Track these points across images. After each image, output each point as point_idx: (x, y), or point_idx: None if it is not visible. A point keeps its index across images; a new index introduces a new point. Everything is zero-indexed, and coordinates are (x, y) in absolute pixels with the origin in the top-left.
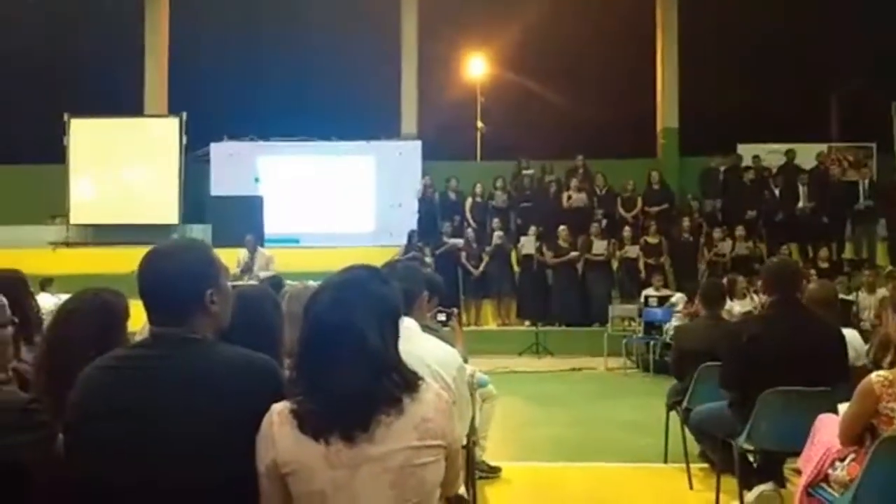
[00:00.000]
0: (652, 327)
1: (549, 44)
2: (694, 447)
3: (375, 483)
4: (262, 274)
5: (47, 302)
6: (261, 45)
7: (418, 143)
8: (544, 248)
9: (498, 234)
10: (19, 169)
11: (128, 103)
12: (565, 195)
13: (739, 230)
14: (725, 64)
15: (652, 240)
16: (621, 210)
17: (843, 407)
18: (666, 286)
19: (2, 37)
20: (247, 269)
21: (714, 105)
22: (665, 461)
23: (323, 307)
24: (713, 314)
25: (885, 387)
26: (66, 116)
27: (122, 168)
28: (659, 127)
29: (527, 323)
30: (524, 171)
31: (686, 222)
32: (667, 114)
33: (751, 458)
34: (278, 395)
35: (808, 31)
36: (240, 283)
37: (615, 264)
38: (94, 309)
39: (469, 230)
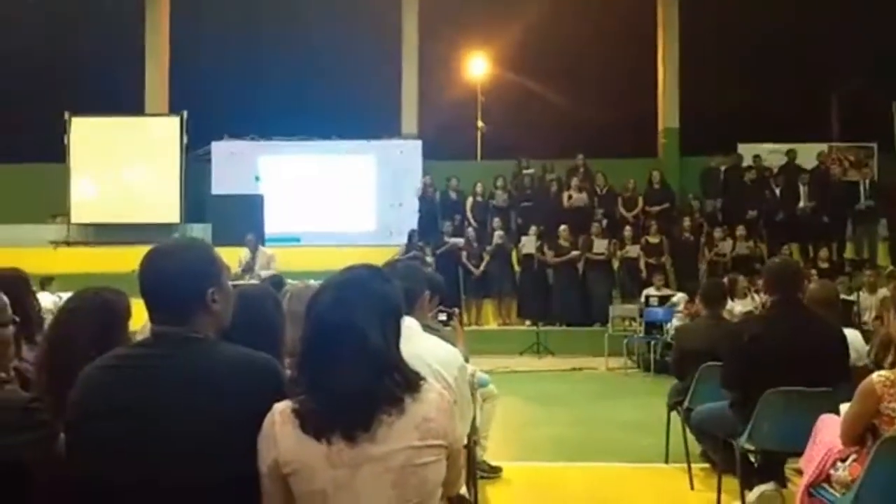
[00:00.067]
0: (653, 327)
1: (549, 43)
2: (695, 447)
3: (377, 483)
4: (264, 273)
5: (47, 301)
6: (262, 45)
7: (419, 143)
8: (545, 248)
9: (499, 233)
10: (20, 168)
11: (128, 102)
12: (566, 195)
13: (740, 230)
14: (726, 64)
15: (653, 239)
16: (622, 210)
17: (844, 407)
18: (667, 286)
19: (3, 36)
20: (248, 268)
21: (715, 105)
22: (666, 461)
23: (325, 306)
24: (714, 314)
25: (886, 387)
26: (66, 115)
27: (122, 167)
28: (660, 126)
29: (527, 322)
30: (525, 171)
31: (687, 222)
32: (668, 113)
33: (752, 459)
34: (279, 394)
35: (809, 31)
36: (241, 282)
37: (616, 264)
38: (96, 308)
39: (470, 230)
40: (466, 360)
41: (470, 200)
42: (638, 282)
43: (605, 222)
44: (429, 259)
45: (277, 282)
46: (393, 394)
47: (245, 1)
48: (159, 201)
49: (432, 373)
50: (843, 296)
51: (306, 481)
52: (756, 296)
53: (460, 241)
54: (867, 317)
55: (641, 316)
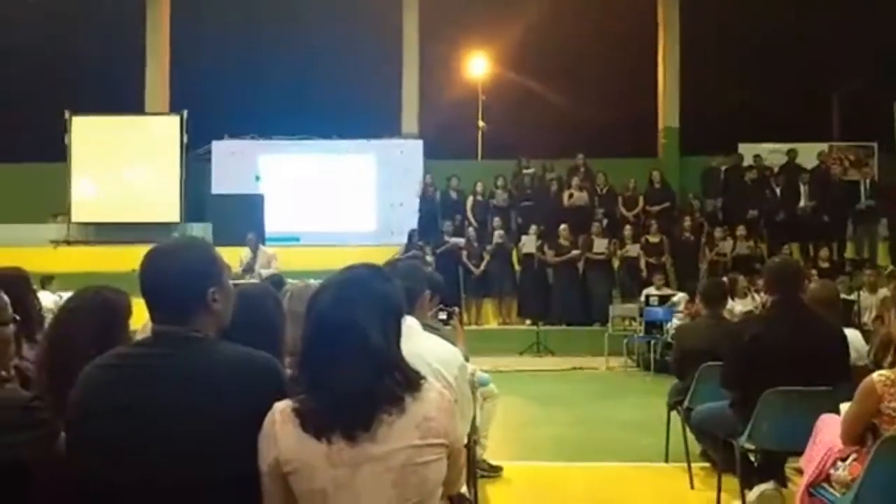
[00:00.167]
0: (653, 327)
1: (550, 43)
2: (695, 447)
3: (377, 482)
4: (264, 272)
5: (48, 300)
6: (262, 44)
7: (419, 142)
8: (545, 247)
9: (499, 232)
10: (21, 167)
11: (129, 101)
12: (566, 194)
13: (740, 230)
14: (727, 63)
15: (653, 239)
16: (622, 209)
17: (844, 407)
18: (667, 285)
19: (4, 35)
20: (248, 268)
21: (715, 104)
22: (666, 461)
23: (325, 305)
24: (714, 314)
25: (886, 386)
26: (67, 114)
27: (123, 166)
28: (660, 126)
29: (528, 322)
30: (525, 170)
31: (687, 222)
32: (668, 113)
33: (752, 458)
34: (280, 393)
35: (810, 31)
36: (241, 281)
37: (616, 263)
38: (96, 307)
39: (470, 229)
40: (466, 360)
41: (470, 200)
42: (638, 281)
43: (605, 222)
44: (429, 258)
45: (277, 281)
46: (393, 393)
47: (246, 0)
48: (159, 200)
49: (432, 372)
50: (843, 295)
51: (306, 480)
52: (756, 295)
53: (461, 240)
54: (867, 317)
55: (641, 315)
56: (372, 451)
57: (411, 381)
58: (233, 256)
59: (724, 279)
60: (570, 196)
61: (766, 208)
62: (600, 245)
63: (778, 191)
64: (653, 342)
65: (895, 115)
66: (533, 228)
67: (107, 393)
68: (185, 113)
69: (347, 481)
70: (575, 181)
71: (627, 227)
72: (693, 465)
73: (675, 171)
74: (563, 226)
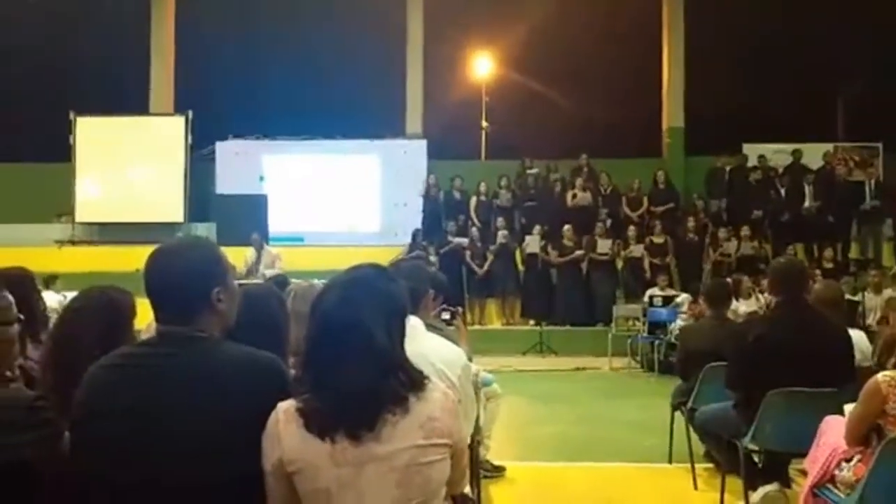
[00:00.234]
0: (656, 327)
1: (554, 43)
2: (699, 447)
3: (381, 482)
4: (268, 272)
5: (52, 300)
6: (267, 45)
7: (423, 143)
8: (549, 248)
9: (502, 233)
10: (25, 167)
11: (134, 102)
12: (570, 194)
13: (745, 230)
14: (731, 63)
15: (657, 239)
16: (626, 209)
17: (848, 408)
18: (671, 286)
19: (8, 35)
20: (251, 271)
21: (720, 105)
22: (670, 461)
23: (330, 305)
24: (719, 314)
25: (891, 387)
26: (71, 115)
27: (127, 166)
28: (664, 126)
29: (531, 322)
30: (529, 171)
31: (691, 222)
32: (672, 113)
33: (756, 459)
34: (284, 393)
35: (815, 31)
36: (245, 282)
37: (620, 264)
38: (101, 307)
39: (473, 229)
40: (470, 360)
41: (474, 200)
42: (642, 282)
43: (609, 222)
44: (432, 258)
45: (281, 281)
46: (398, 393)
47: (250, 1)
48: (164, 201)
49: (436, 372)
50: (847, 296)
51: (310, 480)
52: (760, 296)
53: (464, 240)
54: (872, 318)
55: (645, 316)
56: (376, 451)
57: (415, 381)
58: (237, 256)
59: (729, 280)
60: (574, 196)
61: (770, 209)
62: (604, 245)
63: (783, 191)
64: (656, 343)
65: None
66: (536, 229)
67: (111, 393)
68: (190, 113)
69: (351, 481)
70: (578, 181)
71: (631, 227)
72: (697, 465)
73: (679, 171)
74: (566, 226)
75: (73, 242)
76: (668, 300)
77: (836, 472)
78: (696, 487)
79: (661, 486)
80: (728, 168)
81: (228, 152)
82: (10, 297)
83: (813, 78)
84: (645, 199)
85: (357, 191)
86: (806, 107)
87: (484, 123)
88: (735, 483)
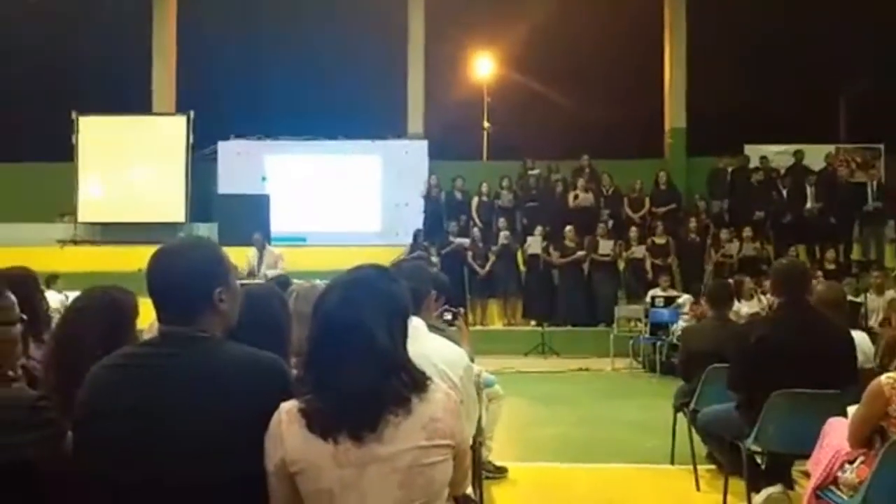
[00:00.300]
0: (658, 328)
1: (555, 44)
2: (701, 449)
3: (383, 482)
4: (270, 273)
5: (53, 299)
6: (269, 45)
7: (425, 143)
8: (551, 248)
9: (504, 233)
10: (28, 167)
11: (136, 102)
12: (571, 195)
13: (747, 231)
14: (733, 64)
15: (659, 240)
16: (628, 210)
17: (851, 410)
18: (673, 287)
19: (11, 35)
20: (252, 272)
21: (722, 105)
22: (672, 462)
23: (332, 305)
24: (721, 315)
25: (895, 389)
26: (74, 115)
27: (129, 166)
28: (666, 127)
29: (533, 323)
30: (530, 171)
31: (693, 223)
32: (674, 114)
33: (759, 461)
34: (286, 393)
35: (817, 32)
36: (247, 282)
37: (622, 265)
38: (103, 307)
39: (475, 230)
40: (472, 361)
41: (475, 200)
42: (644, 283)
43: (610, 223)
44: (434, 259)
45: (283, 282)
46: (400, 394)
47: (252, 1)
48: (166, 200)
49: (438, 373)
50: (850, 298)
51: (313, 480)
52: (763, 297)
53: (466, 241)
54: (874, 319)
55: (647, 317)
56: (378, 452)
57: (418, 381)
58: (239, 256)
59: (731, 281)
60: (576, 197)
61: (772, 210)
62: (606, 246)
63: (784, 192)
64: (658, 343)
65: None
66: (538, 229)
67: (114, 393)
68: (192, 113)
69: (354, 482)
70: (580, 182)
71: (633, 228)
72: (699, 467)
73: (681, 172)
74: (568, 227)
75: (75, 242)
76: (669, 301)
77: (839, 473)
78: (698, 489)
79: (663, 487)
80: (730, 169)
81: (230, 152)
82: (13, 297)
83: (815, 79)
84: (647, 200)
85: (358, 191)
86: (808, 107)
87: (485, 124)
88: (738, 485)
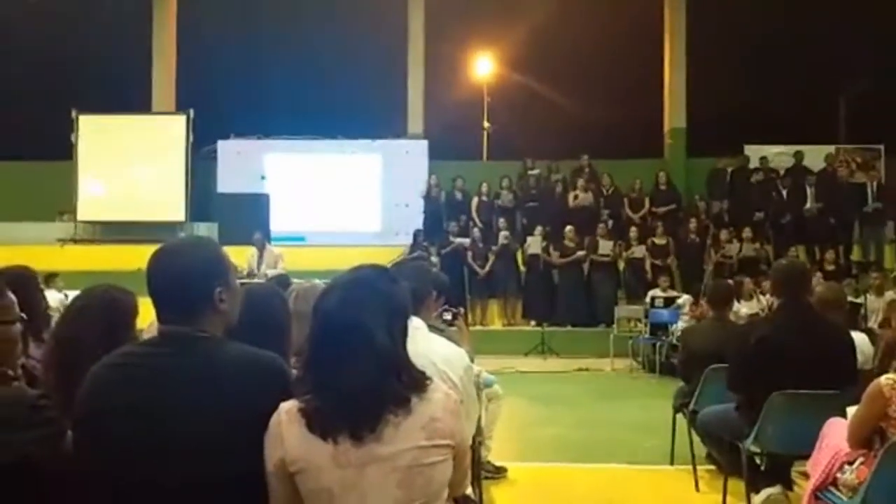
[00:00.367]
0: (658, 328)
1: (556, 44)
2: (701, 449)
3: (383, 482)
4: (270, 272)
5: (52, 298)
6: (268, 44)
7: (425, 143)
8: (550, 248)
9: (504, 233)
10: (28, 165)
11: (136, 100)
12: (571, 195)
13: (747, 232)
14: (733, 64)
15: (659, 241)
16: (628, 210)
17: (851, 410)
18: (672, 287)
19: (11, 35)
20: (252, 273)
21: (722, 106)
22: (671, 463)
23: (332, 305)
24: (720, 316)
25: (894, 390)
26: (74, 113)
27: (129, 165)
28: (666, 127)
29: (532, 323)
30: (530, 171)
31: (693, 223)
32: (674, 114)
33: (758, 461)
34: (286, 393)
35: (817, 33)
36: (247, 281)
37: (622, 265)
38: (104, 306)
39: (475, 230)
40: (471, 361)
41: (475, 200)
42: (643, 283)
43: (610, 223)
44: (434, 259)
45: (283, 281)
46: (400, 394)
47: (252, 1)
48: (165, 200)
49: (438, 373)
50: (849, 298)
51: (313, 480)
52: (762, 298)
53: (465, 241)
54: (874, 320)
55: (647, 317)
56: (378, 452)
57: (417, 381)
58: (239, 256)
59: (730, 281)
60: (576, 197)
61: (772, 210)
62: (606, 246)
63: (784, 193)
64: (658, 344)
65: None
66: (538, 229)
67: (114, 392)
68: (192, 112)
69: (353, 481)
70: (580, 182)
71: (633, 228)
72: (698, 467)
73: (681, 172)
74: (568, 227)
75: (74, 241)
76: (669, 301)
77: (839, 474)
78: (697, 489)
79: (662, 487)
80: (730, 169)
81: (230, 151)
82: (13, 296)
83: (815, 79)
84: (646, 200)
85: (358, 191)
86: (808, 108)
87: (485, 124)
88: (737, 485)
